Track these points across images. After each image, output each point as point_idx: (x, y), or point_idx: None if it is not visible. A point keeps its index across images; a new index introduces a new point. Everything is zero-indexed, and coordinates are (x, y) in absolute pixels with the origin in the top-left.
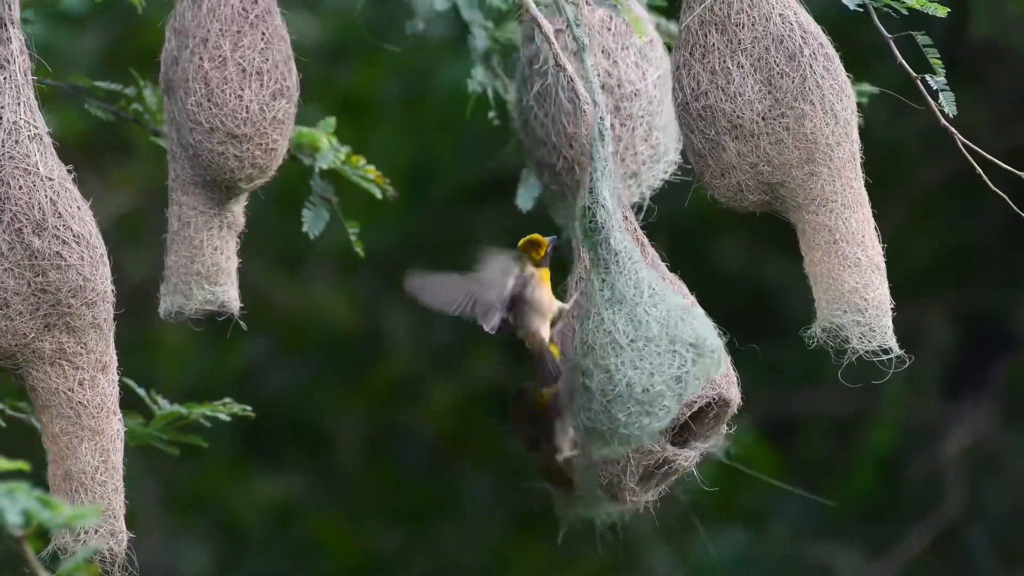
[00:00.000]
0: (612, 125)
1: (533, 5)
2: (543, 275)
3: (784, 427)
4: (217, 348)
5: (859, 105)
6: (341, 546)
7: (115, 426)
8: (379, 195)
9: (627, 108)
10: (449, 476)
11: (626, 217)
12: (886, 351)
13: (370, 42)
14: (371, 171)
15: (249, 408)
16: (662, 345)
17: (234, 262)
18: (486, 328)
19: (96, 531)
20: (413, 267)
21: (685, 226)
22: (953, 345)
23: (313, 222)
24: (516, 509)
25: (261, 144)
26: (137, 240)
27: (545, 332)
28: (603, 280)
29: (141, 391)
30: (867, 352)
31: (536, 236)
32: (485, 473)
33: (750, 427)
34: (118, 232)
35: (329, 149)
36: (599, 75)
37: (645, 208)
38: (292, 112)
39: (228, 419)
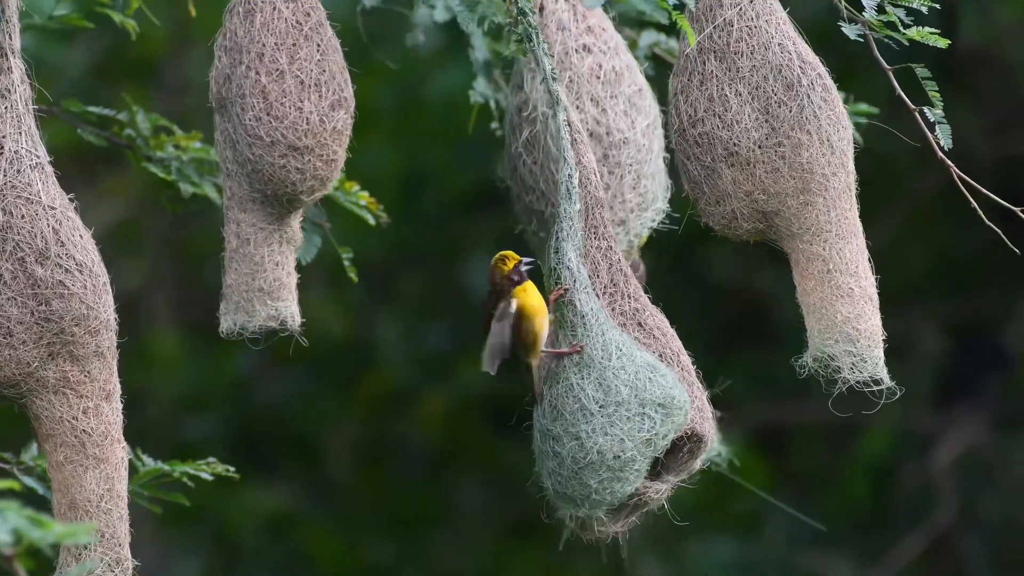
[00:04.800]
0: (600, 173)
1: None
2: (522, 292)
3: (776, 436)
4: (210, 358)
5: (857, 125)
6: (334, 556)
7: (119, 454)
8: (372, 221)
9: (615, 156)
10: (442, 485)
11: (610, 246)
12: (877, 382)
13: (363, 50)
14: (364, 197)
15: (232, 468)
16: (632, 409)
17: (294, 277)
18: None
19: (101, 559)
20: (404, 276)
21: (677, 236)
22: (946, 354)
23: (306, 248)
24: (509, 517)
25: (322, 155)
26: (130, 249)
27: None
28: (570, 343)
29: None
30: (858, 382)
31: (505, 252)
32: (478, 482)
33: (742, 437)
34: (111, 242)
35: None
36: (588, 123)
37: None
38: (350, 123)
39: (210, 478)
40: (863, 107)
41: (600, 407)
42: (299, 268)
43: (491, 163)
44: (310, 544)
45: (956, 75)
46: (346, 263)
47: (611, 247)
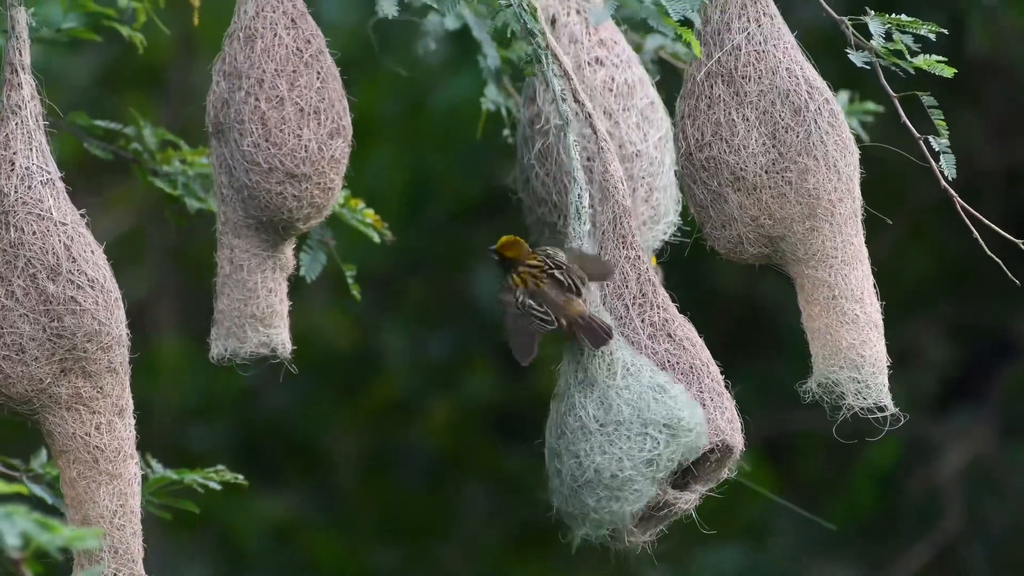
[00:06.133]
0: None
1: (551, 38)
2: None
3: (782, 445)
4: (215, 367)
5: (863, 124)
6: (339, 564)
7: (132, 470)
8: (377, 239)
9: (628, 169)
10: (446, 493)
11: (638, 256)
12: (881, 408)
13: (368, 59)
14: (369, 215)
15: (241, 476)
16: (633, 428)
17: (286, 305)
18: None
19: (115, 574)
20: (409, 285)
21: (681, 245)
22: (950, 361)
23: (310, 266)
24: (513, 525)
25: (319, 183)
26: (134, 259)
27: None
28: (577, 361)
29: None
30: (862, 409)
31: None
32: (482, 489)
33: (748, 445)
34: (116, 252)
35: None
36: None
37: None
38: (347, 151)
39: (219, 487)
40: (870, 106)
41: (600, 426)
42: (303, 281)
43: (497, 172)
44: (315, 551)
45: (961, 81)
46: (350, 281)
47: (639, 256)
